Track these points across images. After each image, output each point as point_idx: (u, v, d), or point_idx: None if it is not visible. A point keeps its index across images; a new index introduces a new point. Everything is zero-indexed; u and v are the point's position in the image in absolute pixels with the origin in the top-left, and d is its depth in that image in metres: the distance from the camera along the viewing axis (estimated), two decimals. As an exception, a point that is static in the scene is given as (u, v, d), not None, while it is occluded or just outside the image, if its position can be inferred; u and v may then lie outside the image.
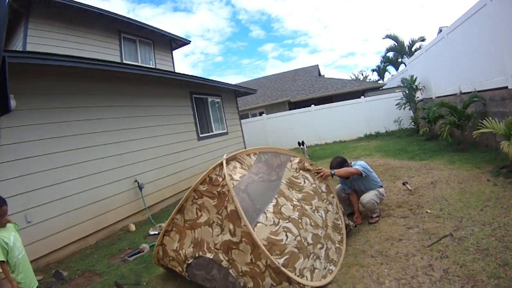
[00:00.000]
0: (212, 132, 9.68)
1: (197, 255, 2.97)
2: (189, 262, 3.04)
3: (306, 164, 3.85)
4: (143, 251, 4.34)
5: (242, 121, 13.43)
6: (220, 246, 2.86)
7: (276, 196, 3.15)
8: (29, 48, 7.43)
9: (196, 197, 3.11)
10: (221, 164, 3.03)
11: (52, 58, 4.72)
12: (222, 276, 2.83)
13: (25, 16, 7.75)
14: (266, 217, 2.87)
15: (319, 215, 3.51)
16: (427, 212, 4.29)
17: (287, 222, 2.97)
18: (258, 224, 2.77)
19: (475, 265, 2.88)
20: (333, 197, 3.94)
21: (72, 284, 3.88)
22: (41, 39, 7.75)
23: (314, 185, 3.72)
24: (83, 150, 5.33)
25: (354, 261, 3.42)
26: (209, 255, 2.90)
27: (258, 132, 15.32)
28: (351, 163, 4.48)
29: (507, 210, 3.75)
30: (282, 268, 2.61)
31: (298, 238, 2.94)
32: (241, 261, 2.75)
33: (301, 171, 3.73)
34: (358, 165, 4.31)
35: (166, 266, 3.46)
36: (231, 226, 2.81)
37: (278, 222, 2.90)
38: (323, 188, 3.85)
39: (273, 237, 2.76)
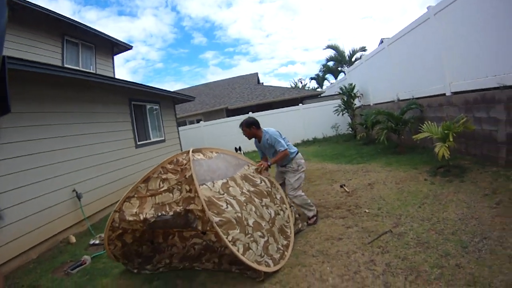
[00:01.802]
0: (150, 139, 9.83)
1: (159, 214, 3.35)
2: (151, 221, 3.37)
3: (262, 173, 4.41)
4: (85, 263, 4.41)
5: (180, 128, 13.48)
6: (182, 202, 3.33)
7: (228, 178, 3.69)
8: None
9: (162, 172, 3.62)
10: (188, 151, 3.71)
11: None
12: (183, 214, 3.30)
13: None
14: (213, 185, 3.39)
15: (268, 212, 3.82)
16: (365, 211, 4.46)
17: (231, 199, 3.41)
18: (204, 186, 3.28)
19: (416, 258, 3.00)
20: (286, 208, 4.23)
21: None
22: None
23: (269, 190, 4.16)
24: (20, 159, 5.14)
25: (296, 261, 3.45)
26: (170, 213, 3.32)
27: (195, 139, 15.22)
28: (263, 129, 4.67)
29: (445, 206, 4.04)
30: (215, 225, 2.99)
31: (239, 214, 3.29)
32: (196, 210, 3.24)
33: (259, 175, 4.27)
34: (273, 137, 4.44)
35: (118, 247, 3.80)
36: (188, 187, 3.32)
37: (223, 194, 3.38)
38: (278, 196, 4.26)
39: (214, 199, 3.21)
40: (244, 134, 4.64)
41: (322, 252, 3.54)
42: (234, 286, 3.23)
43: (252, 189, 3.90)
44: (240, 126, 4.65)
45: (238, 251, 3.04)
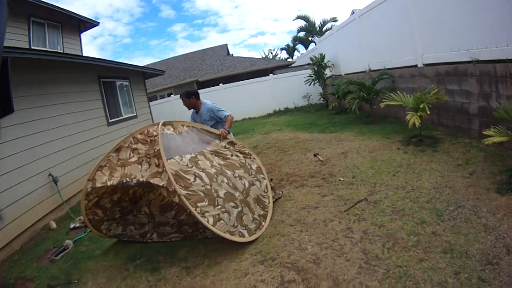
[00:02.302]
0: (122, 116, 9.68)
1: (124, 181, 3.42)
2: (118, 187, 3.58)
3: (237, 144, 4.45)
4: (68, 248, 4.42)
5: (151, 103, 13.28)
6: (149, 176, 3.31)
7: (196, 153, 3.71)
8: None
9: (133, 142, 3.66)
10: (158, 123, 3.72)
11: None
12: (146, 182, 3.34)
13: None
14: (181, 159, 3.42)
15: (241, 183, 3.81)
16: (340, 180, 4.48)
17: (200, 172, 3.42)
18: (172, 160, 3.32)
19: (393, 225, 3.03)
20: (264, 178, 4.27)
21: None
22: None
23: (242, 162, 4.19)
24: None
25: (274, 231, 3.44)
26: (134, 181, 3.38)
27: (167, 113, 14.70)
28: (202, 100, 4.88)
29: (419, 174, 4.10)
30: (182, 197, 3.02)
31: (208, 187, 3.32)
32: (161, 182, 3.25)
33: (231, 148, 4.29)
34: (216, 107, 4.73)
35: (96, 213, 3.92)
36: (157, 161, 3.35)
37: (191, 167, 3.41)
38: (253, 167, 4.28)
39: (181, 173, 3.25)
40: (184, 105, 4.80)
41: (299, 221, 3.54)
42: (216, 258, 3.18)
43: (222, 162, 3.94)
44: (180, 97, 4.82)
45: (208, 222, 3.06)
